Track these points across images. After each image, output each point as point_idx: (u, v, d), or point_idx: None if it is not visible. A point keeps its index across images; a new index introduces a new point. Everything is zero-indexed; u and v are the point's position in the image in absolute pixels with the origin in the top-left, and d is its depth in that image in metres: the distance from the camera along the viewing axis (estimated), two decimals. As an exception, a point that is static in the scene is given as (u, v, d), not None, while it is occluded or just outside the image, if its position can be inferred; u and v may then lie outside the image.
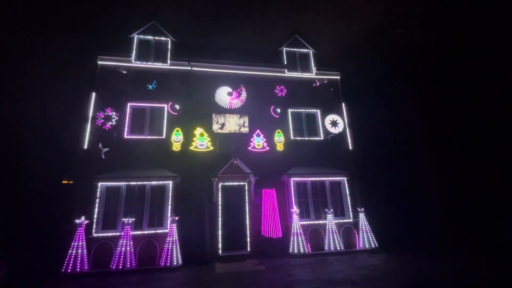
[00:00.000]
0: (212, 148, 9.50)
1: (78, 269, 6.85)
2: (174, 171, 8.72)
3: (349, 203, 9.56)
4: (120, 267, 7.02)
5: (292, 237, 8.45)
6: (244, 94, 10.48)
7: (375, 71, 17.55)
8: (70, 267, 6.82)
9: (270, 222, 8.63)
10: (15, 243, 7.25)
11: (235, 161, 8.99)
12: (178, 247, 7.57)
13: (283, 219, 9.08)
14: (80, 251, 7.02)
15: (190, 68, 10.26)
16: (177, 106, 9.68)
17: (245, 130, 10.04)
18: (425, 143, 14.11)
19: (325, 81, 11.34)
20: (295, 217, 8.61)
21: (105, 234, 7.68)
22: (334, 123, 10.74)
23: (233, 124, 10.02)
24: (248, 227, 8.80)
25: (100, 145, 8.51)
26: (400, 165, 14.52)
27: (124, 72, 9.44)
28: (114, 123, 8.98)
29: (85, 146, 8.56)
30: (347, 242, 8.91)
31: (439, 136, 13.72)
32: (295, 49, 11.78)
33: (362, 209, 9.18)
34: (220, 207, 8.83)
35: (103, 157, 8.47)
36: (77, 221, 7.25)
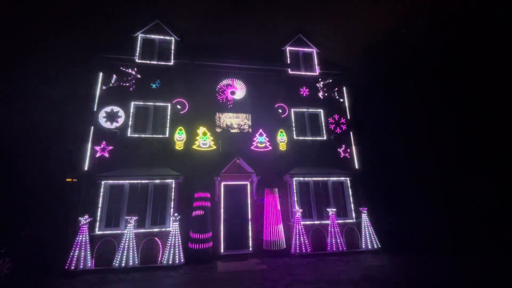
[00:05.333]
0: (214, 147, 9.51)
1: (81, 266, 6.90)
2: (177, 170, 8.75)
3: (352, 204, 9.52)
4: (123, 264, 7.06)
5: (294, 237, 8.43)
6: (247, 93, 10.47)
7: (379, 71, 17.44)
8: (73, 264, 6.86)
9: (272, 222, 8.61)
10: (19, 240, 7.31)
11: (237, 161, 8.99)
12: (180, 246, 7.60)
13: (285, 218, 9.07)
14: (83, 248, 7.06)
15: (193, 67, 10.27)
16: (180, 105, 9.71)
17: (247, 129, 10.03)
18: (428, 143, 13.99)
19: (329, 80, 11.29)
20: (297, 217, 8.59)
21: (108, 232, 7.74)
22: (337, 123, 10.69)
23: (236, 123, 10.02)
24: (250, 227, 8.81)
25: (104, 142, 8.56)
26: (404, 165, 14.42)
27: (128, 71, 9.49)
28: (117, 121, 9.03)
29: (89, 144, 8.61)
30: (350, 242, 8.88)
31: (442, 137, 13.60)
32: (299, 48, 11.74)
33: (365, 210, 9.13)
34: (222, 206, 8.85)
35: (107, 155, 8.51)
36: (81, 218, 7.30)
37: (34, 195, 11.81)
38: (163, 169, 8.69)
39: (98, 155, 8.61)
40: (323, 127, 10.71)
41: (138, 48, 10.10)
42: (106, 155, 8.66)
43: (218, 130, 9.80)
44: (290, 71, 11.19)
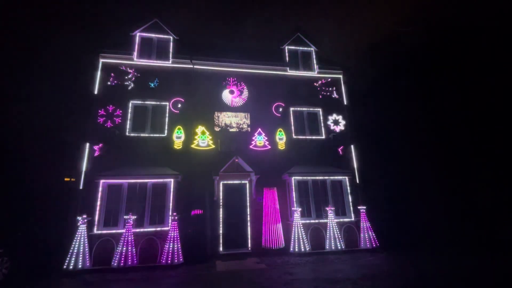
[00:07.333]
0: (213, 146, 9.50)
1: (79, 266, 6.89)
2: (176, 169, 8.73)
3: (350, 202, 9.54)
4: (122, 264, 7.05)
5: (293, 236, 8.44)
6: (245, 93, 10.46)
7: (377, 71, 17.47)
8: (71, 264, 6.85)
9: (271, 221, 8.62)
10: (17, 240, 7.28)
11: (236, 160, 8.99)
12: (179, 245, 7.59)
13: (284, 217, 9.08)
14: (81, 248, 7.05)
15: (192, 66, 10.25)
16: (179, 104, 9.68)
17: (246, 128, 10.02)
18: (427, 142, 14.04)
19: (328, 80, 11.29)
20: (296, 216, 8.60)
21: (106, 231, 7.72)
22: (336, 122, 10.70)
23: (235, 122, 10.00)
24: (249, 226, 8.81)
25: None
26: (402, 164, 14.46)
27: (126, 70, 9.45)
28: (116, 121, 8.99)
29: (87, 144, 8.58)
30: (348, 241, 8.90)
31: (441, 135, 13.64)
32: (298, 48, 11.71)
33: (364, 208, 9.16)
34: (221, 205, 8.85)
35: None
36: (79, 218, 7.28)
37: (32, 194, 11.76)
38: (161, 169, 8.67)
39: (96, 154, 8.57)
40: (322, 126, 10.71)
41: (136, 47, 10.06)
42: (105, 154, 8.62)
43: (217, 129, 9.79)
44: (289, 70, 11.17)
